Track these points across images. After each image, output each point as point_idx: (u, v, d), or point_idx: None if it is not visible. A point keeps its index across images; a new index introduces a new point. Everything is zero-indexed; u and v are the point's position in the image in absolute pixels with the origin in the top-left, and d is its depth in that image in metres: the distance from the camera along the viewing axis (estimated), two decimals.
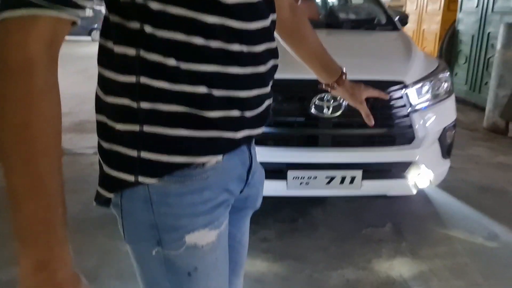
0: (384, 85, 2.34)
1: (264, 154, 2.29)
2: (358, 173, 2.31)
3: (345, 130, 2.32)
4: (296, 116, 2.29)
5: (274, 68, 0.87)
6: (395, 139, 2.35)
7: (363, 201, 3.09)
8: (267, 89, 0.86)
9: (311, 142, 2.31)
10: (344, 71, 1.22)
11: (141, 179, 0.75)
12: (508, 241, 2.63)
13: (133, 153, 0.74)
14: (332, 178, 2.31)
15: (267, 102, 0.87)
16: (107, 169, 0.77)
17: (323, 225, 2.80)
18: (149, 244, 0.79)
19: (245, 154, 0.90)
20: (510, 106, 4.71)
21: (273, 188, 2.36)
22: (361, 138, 2.35)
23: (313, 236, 2.67)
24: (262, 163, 2.24)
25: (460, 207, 3.04)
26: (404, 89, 2.35)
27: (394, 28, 3.24)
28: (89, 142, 4.45)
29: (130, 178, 0.75)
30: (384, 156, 2.35)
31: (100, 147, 0.79)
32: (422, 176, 2.47)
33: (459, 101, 6.10)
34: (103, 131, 0.78)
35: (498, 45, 4.88)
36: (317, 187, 2.32)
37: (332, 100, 2.25)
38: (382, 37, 3.03)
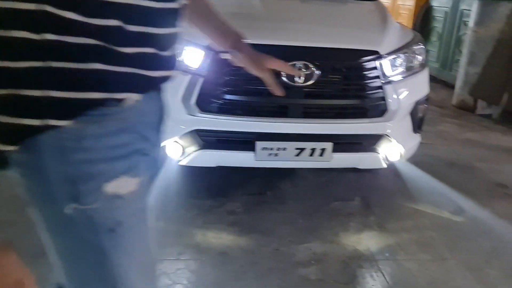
0: (358, 55, 2.26)
1: (233, 124, 2.20)
2: (328, 145, 2.25)
3: (316, 101, 2.24)
4: (265, 85, 2.18)
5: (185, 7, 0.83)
6: (367, 111, 2.29)
7: (333, 174, 3.05)
8: (179, 29, 0.81)
9: (281, 112, 2.23)
10: (242, 36, 1.17)
11: (51, 122, 0.65)
12: (474, 215, 2.65)
13: (37, 93, 0.64)
14: (301, 150, 2.24)
15: (177, 43, 0.82)
16: (1, 118, 0.64)
17: (291, 199, 2.75)
18: (63, 202, 0.70)
19: (160, 103, 0.87)
20: (480, 83, 4.74)
21: (241, 159, 2.28)
22: (333, 109, 2.27)
23: (281, 209, 2.61)
24: (230, 133, 2.15)
25: (428, 182, 3.04)
26: (378, 60, 2.27)
27: None
28: None
29: (37, 122, 0.65)
30: (355, 128, 2.29)
31: None
32: (393, 150, 2.43)
33: (430, 78, 6.13)
34: None
35: (471, 22, 4.87)
36: (286, 158, 2.25)
37: (304, 68, 2.15)
38: (358, 6, 2.93)
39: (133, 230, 0.77)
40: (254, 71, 1.19)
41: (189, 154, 2.26)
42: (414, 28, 6.48)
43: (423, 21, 6.51)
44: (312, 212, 2.60)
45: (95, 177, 0.70)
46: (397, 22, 2.78)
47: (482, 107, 4.87)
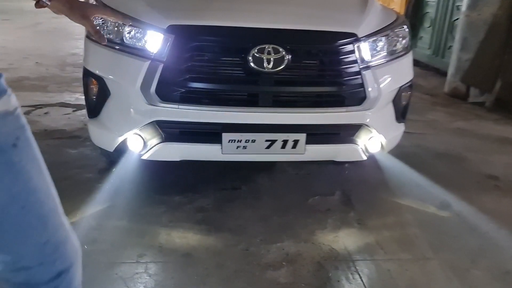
0: (333, 37, 2.08)
1: (197, 114, 2.02)
2: (302, 137, 2.07)
3: (287, 88, 2.06)
4: (232, 71, 2.00)
5: None
6: (343, 99, 2.11)
7: (313, 167, 2.88)
8: None
9: (249, 100, 2.05)
10: None
11: None
12: (460, 210, 2.48)
13: None
14: (272, 142, 2.06)
15: None
16: None
17: (267, 194, 2.57)
18: None
19: None
20: (472, 70, 4.55)
21: (207, 152, 2.10)
22: (306, 97, 2.10)
23: (255, 205, 2.44)
24: (194, 124, 1.97)
25: (414, 174, 2.86)
26: (355, 43, 2.09)
27: None
28: (23, 101, 4.03)
29: None
30: (331, 118, 2.11)
31: None
32: (373, 140, 2.25)
33: (422, 66, 5.96)
34: None
35: (463, 7, 4.68)
36: (255, 151, 2.07)
37: (274, 52, 1.96)
38: None
39: (30, 141, 0.89)
40: (73, 18, 1.18)
41: (151, 148, 2.08)
42: (406, 14, 6.27)
43: (415, 7, 6.31)
44: (288, 209, 2.43)
45: None
46: (379, 3, 2.58)
47: (474, 95, 4.70)
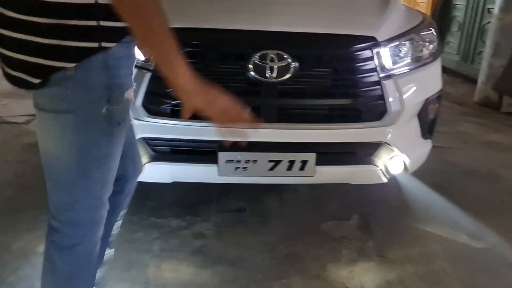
0: (348, 42, 1.79)
1: (189, 131, 1.76)
2: (311, 157, 1.79)
3: (294, 100, 1.78)
4: (229, 81, 1.74)
5: None
6: (360, 113, 1.82)
7: (327, 186, 2.58)
8: None
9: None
10: None
11: (104, 44, 0.98)
12: (496, 240, 2.15)
13: (92, 23, 0.96)
14: (277, 163, 1.78)
15: None
16: (63, 42, 0.95)
17: (275, 217, 2.29)
18: (101, 104, 1.03)
19: None
20: (506, 77, 4.18)
21: (201, 173, 1.84)
22: (316, 111, 1.82)
23: (261, 231, 2.17)
24: (186, 142, 1.70)
25: (441, 196, 2.55)
26: (374, 48, 1.80)
27: None
28: (25, 109, 3.86)
29: (94, 45, 0.97)
30: (345, 135, 1.82)
31: (43, 26, 0.94)
32: (395, 160, 1.95)
33: (449, 72, 5.58)
34: (49, 9, 0.93)
35: (496, 9, 4.32)
36: (257, 173, 1.80)
37: (278, 59, 1.69)
38: None
39: (126, 124, 1.14)
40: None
41: None
42: (433, 17, 5.91)
43: (442, 10, 5.94)
44: (298, 236, 2.14)
45: (122, 86, 1.06)
46: (403, 3, 2.28)
47: (508, 104, 4.33)
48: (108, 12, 0.92)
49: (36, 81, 0.98)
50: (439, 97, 2.10)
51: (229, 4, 1.93)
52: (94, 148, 1.07)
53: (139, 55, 1.74)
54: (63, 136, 1.04)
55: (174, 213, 2.25)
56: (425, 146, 2.14)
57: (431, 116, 2.10)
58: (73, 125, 1.03)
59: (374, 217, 2.32)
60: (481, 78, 4.52)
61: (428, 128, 2.11)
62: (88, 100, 1.01)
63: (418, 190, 2.42)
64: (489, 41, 4.46)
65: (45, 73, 0.97)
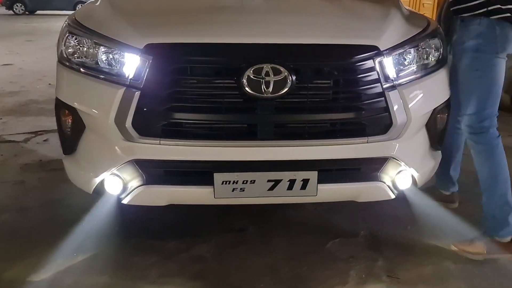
0: (348, 52, 1.69)
1: (182, 151, 1.67)
2: (313, 175, 1.68)
3: (292, 116, 1.68)
4: (223, 97, 1.64)
5: None
6: (364, 127, 1.71)
7: (334, 201, 2.46)
8: None
9: (246, 133, 1.68)
10: None
11: None
12: None
13: None
14: (276, 182, 1.68)
15: None
16: None
17: (279, 236, 2.19)
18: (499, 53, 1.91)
19: None
20: None
21: (197, 195, 1.74)
22: (316, 126, 1.71)
23: (264, 252, 2.06)
24: (179, 163, 1.60)
25: (456, 208, 2.42)
26: (377, 58, 1.69)
27: None
28: (25, 126, 3.81)
29: None
30: (348, 151, 1.71)
31: None
32: (403, 175, 1.83)
33: None
34: None
35: None
36: (256, 194, 1.70)
37: (274, 73, 1.59)
38: None
39: None
40: None
41: (131, 191, 1.73)
42: (439, 19, 5.76)
43: (448, 10, 5.78)
44: (303, 256, 2.03)
45: None
46: (406, 7, 2.17)
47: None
48: None
49: None
50: (447, 105, 1.98)
51: (219, 16, 1.84)
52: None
53: (127, 73, 1.67)
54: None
55: (173, 234, 2.16)
56: (435, 158, 2.02)
57: (440, 126, 1.99)
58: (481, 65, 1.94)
59: (382, 233, 2.21)
60: None
61: (437, 138, 2.00)
62: (488, 49, 1.92)
63: (428, 202, 2.29)
64: None
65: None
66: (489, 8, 1.89)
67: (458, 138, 2.35)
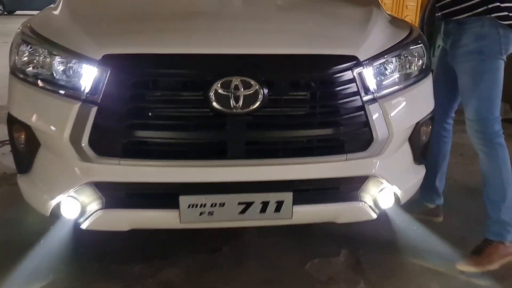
0: (325, 63, 1.56)
1: (144, 172, 1.52)
2: (287, 196, 1.55)
3: (265, 132, 1.55)
4: (189, 113, 1.50)
5: None
6: (342, 144, 1.58)
7: None
8: None
9: (214, 151, 1.54)
10: None
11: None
12: (504, 275, 1.91)
13: None
14: (248, 205, 1.54)
15: None
16: None
17: (254, 257, 2.05)
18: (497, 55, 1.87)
19: None
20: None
21: (161, 219, 1.60)
22: (291, 143, 1.58)
23: (237, 276, 1.92)
24: (142, 185, 1.45)
25: (441, 221, 2.32)
26: (356, 69, 1.56)
27: None
28: None
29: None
30: (326, 169, 1.59)
31: None
32: (385, 193, 1.71)
33: None
34: None
35: None
36: (225, 217, 1.56)
37: (244, 87, 1.45)
38: None
39: None
40: None
41: (90, 215, 1.58)
42: (422, 22, 5.69)
43: (431, 12, 5.72)
44: (280, 279, 1.90)
45: None
46: (387, 13, 2.05)
47: (505, 109, 4.09)
48: None
49: None
50: (432, 117, 1.87)
51: (184, 24, 1.68)
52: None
53: (84, 86, 1.51)
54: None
55: (140, 257, 2.01)
56: (419, 173, 1.91)
57: (424, 138, 1.87)
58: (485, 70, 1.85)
59: (364, 252, 2.09)
60: None
61: (421, 152, 1.88)
62: (489, 50, 1.85)
63: (412, 218, 2.17)
64: None
65: None
66: (489, 6, 1.81)
67: (444, 146, 2.26)
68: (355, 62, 1.57)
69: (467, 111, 1.96)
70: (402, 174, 1.78)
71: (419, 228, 2.18)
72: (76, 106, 1.49)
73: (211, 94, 1.45)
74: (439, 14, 2.09)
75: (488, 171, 1.98)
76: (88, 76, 1.50)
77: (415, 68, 1.78)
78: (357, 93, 1.57)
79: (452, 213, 2.41)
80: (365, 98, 1.58)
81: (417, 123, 1.77)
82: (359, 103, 1.57)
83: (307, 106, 1.57)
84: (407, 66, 1.75)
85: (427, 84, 1.83)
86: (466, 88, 1.95)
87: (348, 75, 1.56)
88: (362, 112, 1.58)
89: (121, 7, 1.87)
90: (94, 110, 1.48)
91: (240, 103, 1.46)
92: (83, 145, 1.49)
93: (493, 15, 1.82)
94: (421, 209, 2.36)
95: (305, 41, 1.62)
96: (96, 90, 1.49)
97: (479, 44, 1.87)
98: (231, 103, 1.46)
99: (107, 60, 1.48)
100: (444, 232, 2.17)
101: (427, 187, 2.25)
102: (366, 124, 1.58)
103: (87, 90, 1.50)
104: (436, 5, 2.09)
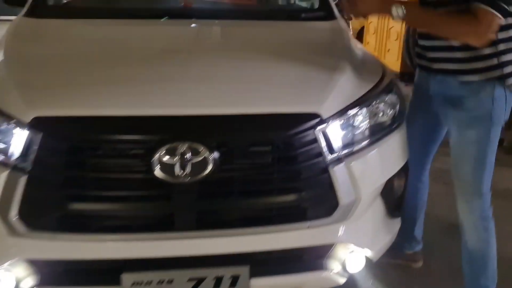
0: (283, 123, 1.41)
1: (82, 247, 1.36)
2: (244, 270, 1.40)
3: (217, 201, 1.39)
4: (132, 183, 1.35)
5: None
6: (304, 210, 1.44)
7: None
8: None
9: (161, 223, 1.38)
10: None
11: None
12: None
13: None
14: (199, 281, 1.39)
15: None
16: None
17: None
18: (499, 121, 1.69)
19: None
20: None
21: None
22: (247, 212, 1.43)
23: None
24: (81, 262, 1.28)
25: (420, 267, 2.18)
26: (318, 127, 1.41)
27: (328, 15, 2.25)
28: None
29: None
30: (286, 239, 1.44)
31: None
32: (354, 257, 1.57)
33: None
34: None
35: None
36: None
37: (191, 153, 1.30)
38: (298, 31, 2.06)
39: None
40: None
41: None
42: (407, 44, 5.57)
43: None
44: None
45: None
46: (361, 51, 1.91)
47: None
48: None
49: None
50: (406, 168, 1.72)
51: (125, 84, 1.50)
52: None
53: (13, 152, 1.35)
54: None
55: None
56: (394, 227, 1.77)
57: (398, 192, 1.73)
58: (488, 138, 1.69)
59: None
60: None
61: (395, 206, 1.74)
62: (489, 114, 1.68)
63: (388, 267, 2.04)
64: None
65: None
66: (505, 72, 1.62)
67: (422, 197, 2.13)
68: (317, 120, 1.42)
69: (464, 186, 1.79)
70: (373, 234, 1.63)
71: (397, 277, 2.04)
72: (4, 174, 1.33)
73: (154, 161, 1.29)
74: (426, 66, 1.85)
75: (475, 246, 1.84)
76: (18, 141, 1.34)
77: (387, 119, 1.64)
78: (320, 154, 1.42)
79: (432, 256, 2.28)
80: (329, 158, 1.43)
81: (390, 179, 1.63)
82: (323, 165, 1.42)
83: (264, 171, 1.42)
84: (377, 118, 1.61)
85: (401, 134, 1.69)
86: (468, 159, 1.74)
87: (309, 135, 1.41)
88: (326, 175, 1.43)
89: (65, 59, 1.69)
90: (24, 179, 1.32)
91: (188, 170, 1.31)
92: (12, 218, 1.33)
93: (508, 79, 1.64)
94: (399, 254, 2.22)
95: (260, 99, 1.46)
96: (27, 156, 1.32)
97: (488, 109, 1.66)
98: (176, 172, 1.30)
99: (38, 124, 1.32)
100: (422, 282, 2.04)
101: (405, 237, 2.12)
102: (331, 188, 1.43)
103: (16, 157, 1.33)
104: (422, 55, 1.85)
